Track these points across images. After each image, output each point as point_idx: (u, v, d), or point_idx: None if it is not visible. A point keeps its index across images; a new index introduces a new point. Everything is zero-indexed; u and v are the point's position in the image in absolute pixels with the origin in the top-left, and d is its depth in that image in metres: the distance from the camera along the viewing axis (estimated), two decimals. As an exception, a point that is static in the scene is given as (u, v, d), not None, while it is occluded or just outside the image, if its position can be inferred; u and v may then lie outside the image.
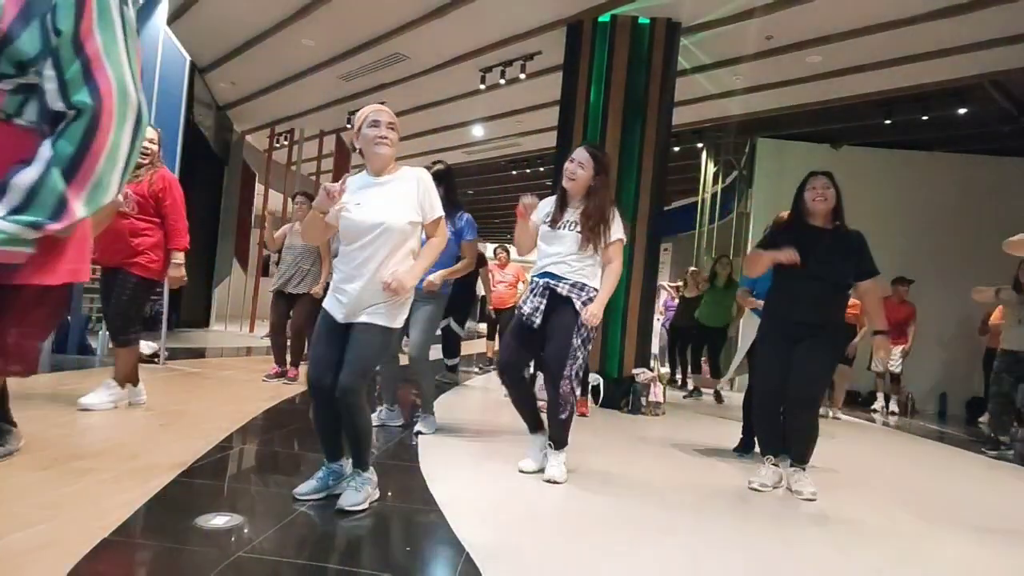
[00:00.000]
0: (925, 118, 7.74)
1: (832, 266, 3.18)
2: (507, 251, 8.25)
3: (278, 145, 11.65)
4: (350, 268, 2.40)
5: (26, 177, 0.92)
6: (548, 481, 2.95)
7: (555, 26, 6.54)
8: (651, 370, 5.83)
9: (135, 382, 3.74)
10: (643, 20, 6.08)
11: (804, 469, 3.23)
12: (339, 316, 2.41)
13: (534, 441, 3.18)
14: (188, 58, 6.01)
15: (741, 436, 4.13)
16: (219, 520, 2.14)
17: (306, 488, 2.42)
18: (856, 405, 7.99)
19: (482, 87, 8.06)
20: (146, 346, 5.90)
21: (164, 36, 5.94)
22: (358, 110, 8.48)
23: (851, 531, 2.73)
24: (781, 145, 8.84)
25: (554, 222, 3.07)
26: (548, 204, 3.16)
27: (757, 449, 4.03)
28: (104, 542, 1.86)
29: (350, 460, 2.47)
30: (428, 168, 3.10)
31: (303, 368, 5.49)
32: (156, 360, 5.83)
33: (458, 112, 9.60)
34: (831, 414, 6.63)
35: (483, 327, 8.34)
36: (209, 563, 1.79)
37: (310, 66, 8.38)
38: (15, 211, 0.91)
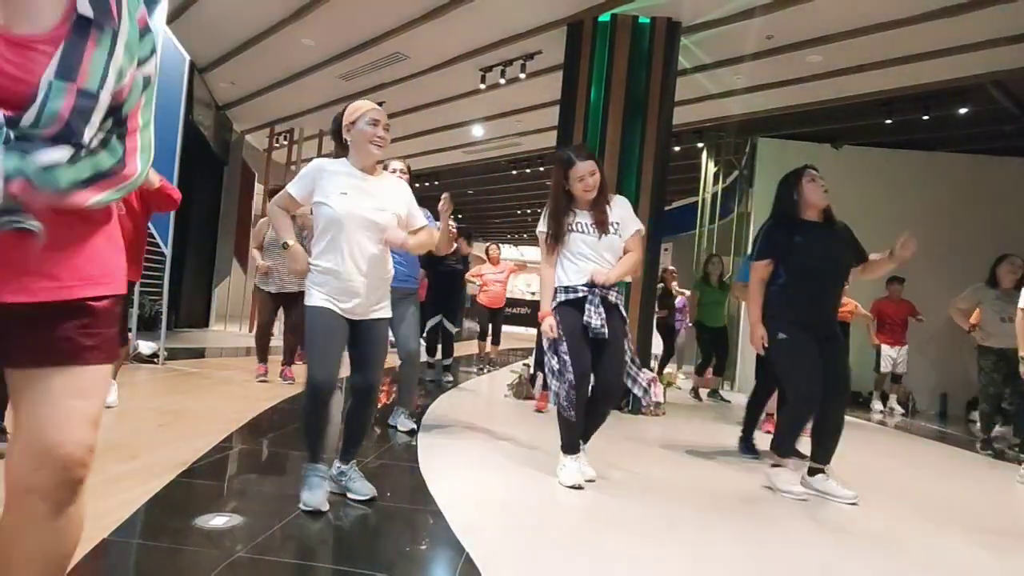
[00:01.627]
0: (926, 118, 7.73)
1: (844, 259, 3.21)
2: (499, 248, 8.27)
3: (278, 145, 11.64)
4: (352, 263, 2.36)
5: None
6: (589, 480, 3.00)
7: (555, 26, 6.53)
8: (651, 370, 5.83)
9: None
10: (643, 20, 6.08)
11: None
12: (351, 315, 2.39)
13: (575, 459, 3.04)
14: (188, 58, 6.00)
15: (742, 435, 4.11)
16: (219, 520, 2.14)
17: (316, 498, 2.32)
18: (856, 405, 7.99)
19: (482, 87, 8.05)
20: (145, 346, 5.90)
21: (164, 36, 5.93)
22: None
23: (852, 531, 2.72)
24: (781, 145, 8.84)
25: (568, 225, 3.07)
26: (548, 220, 3.12)
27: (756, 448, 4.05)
28: (104, 542, 1.85)
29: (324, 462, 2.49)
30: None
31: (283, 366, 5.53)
32: (156, 360, 5.83)
33: (458, 112, 9.59)
34: None
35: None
36: (209, 563, 1.79)
37: (310, 66, 8.37)
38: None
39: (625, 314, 3.14)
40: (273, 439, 3.48)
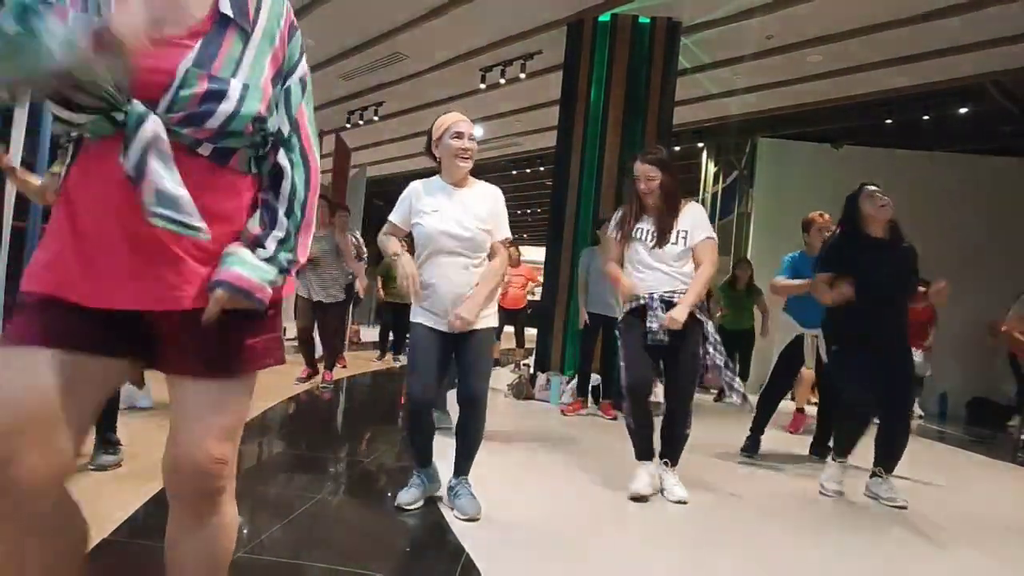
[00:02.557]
0: (926, 118, 7.73)
1: (906, 280, 3.21)
2: (518, 251, 8.25)
3: (278, 145, 11.63)
4: (436, 278, 2.40)
5: (277, 233, 1.13)
6: (678, 502, 2.85)
7: (555, 26, 6.53)
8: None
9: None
10: (643, 19, 6.08)
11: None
12: (441, 327, 2.41)
13: (645, 467, 2.98)
14: (188, 58, 5.99)
15: (749, 436, 4.09)
16: (219, 520, 2.14)
17: (409, 497, 2.45)
18: None
19: (482, 87, 8.05)
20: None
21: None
22: (358, 110, 8.42)
23: (851, 531, 2.72)
24: (781, 145, 8.83)
25: (630, 230, 2.99)
26: (614, 222, 3.08)
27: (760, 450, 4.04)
28: (104, 542, 1.86)
29: (434, 467, 2.58)
30: None
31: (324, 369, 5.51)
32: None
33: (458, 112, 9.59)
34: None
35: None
36: (209, 563, 1.79)
37: (310, 66, 8.34)
38: (269, 259, 1.11)
39: (703, 317, 2.94)
40: (273, 439, 3.48)
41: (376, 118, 9.68)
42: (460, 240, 2.38)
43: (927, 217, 8.48)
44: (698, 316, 2.91)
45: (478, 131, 11.15)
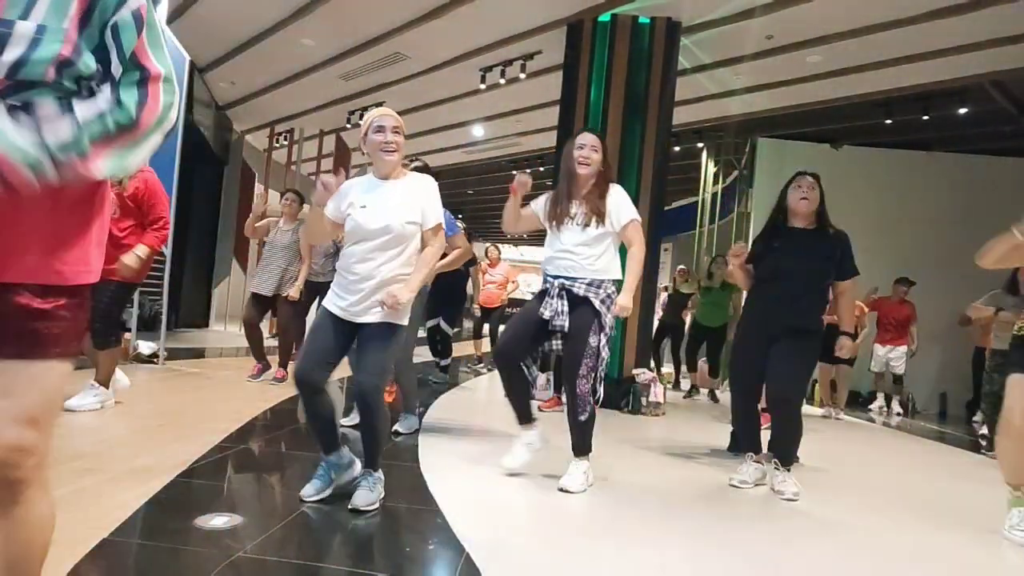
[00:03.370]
0: (925, 118, 7.73)
1: (815, 268, 3.20)
2: (498, 250, 8.27)
3: (278, 145, 11.63)
4: (353, 268, 2.40)
5: (89, 107, 0.94)
6: (561, 490, 2.82)
7: (555, 26, 6.53)
8: (651, 370, 5.83)
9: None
10: (643, 20, 6.08)
11: (788, 469, 3.16)
12: (340, 313, 2.41)
13: (521, 435, 3.05)
14: (188, 57, 6.00)
15: (733, 434, 4.11)
16: (219, 520, 2.14)
17: (311, 489, 2.40)
18: (856, 405, 7.95)
19: (482, 87, 8.05)
20: (145, 346, 5.89)
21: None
22: (358, 110, 8.43)
23: (849, 531, 2.72)
24: (781, 145, 8.84)
25: (560, 217, 3.00)
26: (544, 198, 3.14)
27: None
28: (104, 542, 1.85)
29: (342, 455, 2.50)
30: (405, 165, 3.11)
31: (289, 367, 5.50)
32: (155, 360, 5.83)
33: (458, 112, 9.59)
34: (833, 415, 6.58)
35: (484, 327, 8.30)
36: (209, 563, 1.79)
37: (310, 66, 8.37)
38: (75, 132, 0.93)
39: (601, 307, 2.87)
40: (273, 439, 3.48)
41: (376, 118, 9.67)
42: (384, 233, 2.37)
43: (926, 217, 8.50)
44: (596, 306, 2.87)
45: (478, 131, 11.25)
